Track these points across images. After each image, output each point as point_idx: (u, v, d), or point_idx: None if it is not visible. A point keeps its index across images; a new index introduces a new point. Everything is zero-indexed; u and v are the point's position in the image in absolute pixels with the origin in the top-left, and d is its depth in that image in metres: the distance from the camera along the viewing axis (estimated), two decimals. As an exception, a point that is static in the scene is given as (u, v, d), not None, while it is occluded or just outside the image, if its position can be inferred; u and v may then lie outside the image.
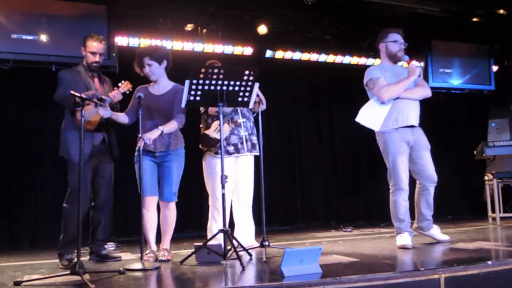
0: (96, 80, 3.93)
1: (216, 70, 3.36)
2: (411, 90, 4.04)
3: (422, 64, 4.12)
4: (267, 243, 3.65)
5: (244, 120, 4.24)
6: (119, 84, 3.88)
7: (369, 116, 4.07)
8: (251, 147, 4.23)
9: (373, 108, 4.06)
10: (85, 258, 3.87)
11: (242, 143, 4.18)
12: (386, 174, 7.08)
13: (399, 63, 4.23)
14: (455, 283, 2.71)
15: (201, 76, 3.33)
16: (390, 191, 4.06)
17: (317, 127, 7.58)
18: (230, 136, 4.14)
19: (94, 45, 3.87)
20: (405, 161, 4.01)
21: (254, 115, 4.33)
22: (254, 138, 4.29)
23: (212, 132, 4.10)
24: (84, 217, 3.77)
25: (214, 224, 4.12)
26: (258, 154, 4.26)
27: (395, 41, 4.09)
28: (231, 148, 4.12)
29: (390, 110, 3.99)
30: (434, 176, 4.08)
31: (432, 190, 4.09)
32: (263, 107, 4.18)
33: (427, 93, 4.14)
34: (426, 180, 4.06)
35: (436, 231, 4.18)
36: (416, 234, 4.18)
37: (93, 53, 3.86)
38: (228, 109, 4.10)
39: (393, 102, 3.99)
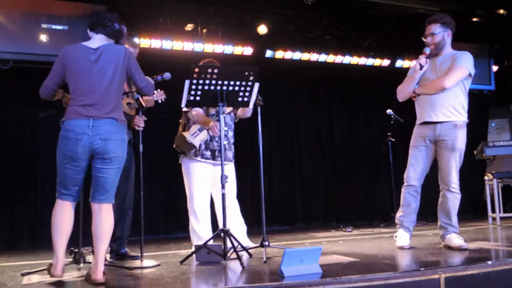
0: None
1: (216, 70, 3.36)
2: (424, 85, 3.89)
3: (423, 59, 3.88)
4: (267, 243, 3.64)
5: (226, 128, 4.12)
6: (155, 92, 3.83)
7: None
8: (226, 156, 4.09)
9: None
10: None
11: (219, 151, 4.05)
12: (386, 174, 7.01)
13: (448, 53, 3.93)
14: (455, 283, 2.71)
15: (201, 76, 3.33)
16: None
17: (317, 127, 7.59)
18: (209, 142, 4.05)
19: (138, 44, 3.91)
20: (417, 155, 3.91)
21: (237, 120, 4.28)
22: (232, 147, 4.20)
23: (189, 136, 4.01)
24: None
25: (192, 227, 4.00)
26: (232, 163, 4.19)
27: (425, 36, 3.95)
28: (207, 153, 4.03)
29: (417, 106, 4.00)
30: (447, 179, 3.79)
31: (449, 196, 3.79)
32: (249, 113, 4.13)
33: (440, 85, 3.77)
34: (441, 181, 3.87)
35: (450, 242, 3.74)
36: (415, 233, 4.16)
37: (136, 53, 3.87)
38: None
39: (417, 98, 3.96)
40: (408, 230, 3.95)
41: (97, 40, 2.97)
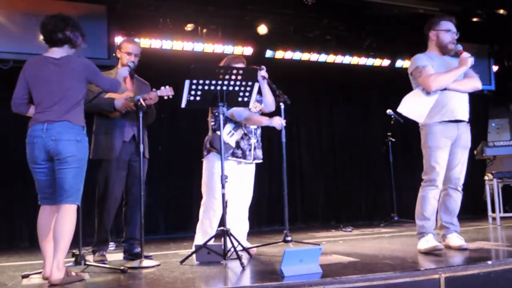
0: (127, 79, 3.93)
1: (216, 70, 3.36)
2: (459, 81, 3.72)
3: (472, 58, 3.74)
4: (289, 238, 3.58)
5: (255, 127, 4.13)
6: (161, 88, 3.88)
7: (413, 107, 3.72)
8: (257, 155, 4.13)
9: (418, 98, 3.71)
10: (119, 257, 3.93)
11: (250, 150, 4.07)
12: (386, 174, 6.88)
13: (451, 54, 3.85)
14: (455, 283, 2.71)
15: (201, 76, 3.33)
16: (422, 186, 3.71)
17: (317, 127, 7.59)
18: (240, 141, 4.04)
19: (130, 46, 3.95)
20: (444, 157, 3.66)
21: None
22: (260, 145, 4.20)
23: (225, 136, 3.95)
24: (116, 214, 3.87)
25: (208, 224, 3.95)
26: (261, 161, 4.19)
27: (448, 31, 3.74)
28: (239, 152, 4.01)
29: (436, 102, 3.66)
30: (458, 179, 3.71)
31: (454, 195, 3.72)
32: (269, 107, 4.14)
33: (477, 85, 3.78)
34: (448, 180, 3.71)
35: (451, 241, 3.68)
36: (414, 233, 4.12)
37: (129, 54, 3.91)
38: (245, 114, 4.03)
39: (440, 93, 3.66)
40: (434, 234, 3.67)
41: (56, 52, 3.07)
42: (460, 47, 3.76)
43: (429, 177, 3.66)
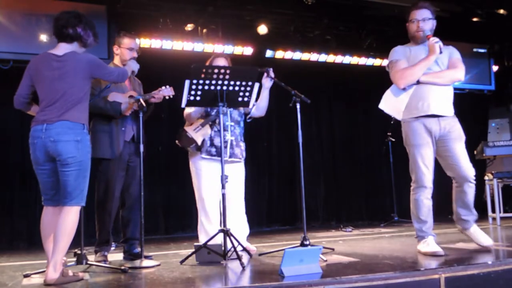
0: None
1: (216, 70, 3.37)
2: (436, 73, 3.50)
3: (440, 42, 3.49)
4: (307, 243, 3.58)
5: (232, 124, 4.00)
6: (162, 87, 3.88)
7: (391, 103, 3.59)
8: (234, 153, 3.97)
9: (395, 94, 3.57)
10: (119, 257, 3.93)
11: (226, 147, 3.92)
12: (386, 174, 6.87)
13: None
14: (455, 283, 2.71)
15: (202, 76, 3.34)
16: (411, 188, 3.57)
17: (317, 127, 7.59)
18: (214, 138, 3.92)
19: (132, 42, 3.90)
20: (428, 154, 3.48)
21: (250, 120, 4.18)
22: (242, 145, 4.07)
23: (191, 131, 3.91)
24: (115, 215, 3.86)
25: (202, 226, 3.95)
26: (241, 161, 4.06)
27: (412, 21, 3.59)
28: (212, 150, 3.92)
29: (411, 96, 3.49)
30: (468, 172, 3.49)
31: (468, 189, 3.53)
32: (261, 112, 4.11)
33: (457, 76, 3.54)
34: (459, 176, 3.51)
35: (475, 232, 3.61)
36: (413, 234, 4.12)
37: (131, 49, 3.87)
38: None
39: (416, 87, 3.48)
40: (434, 235, 3.57)
41: (61, 48, 3.03)
42: (427, 32, 3.54)
43: (416, 178, 3.53)
